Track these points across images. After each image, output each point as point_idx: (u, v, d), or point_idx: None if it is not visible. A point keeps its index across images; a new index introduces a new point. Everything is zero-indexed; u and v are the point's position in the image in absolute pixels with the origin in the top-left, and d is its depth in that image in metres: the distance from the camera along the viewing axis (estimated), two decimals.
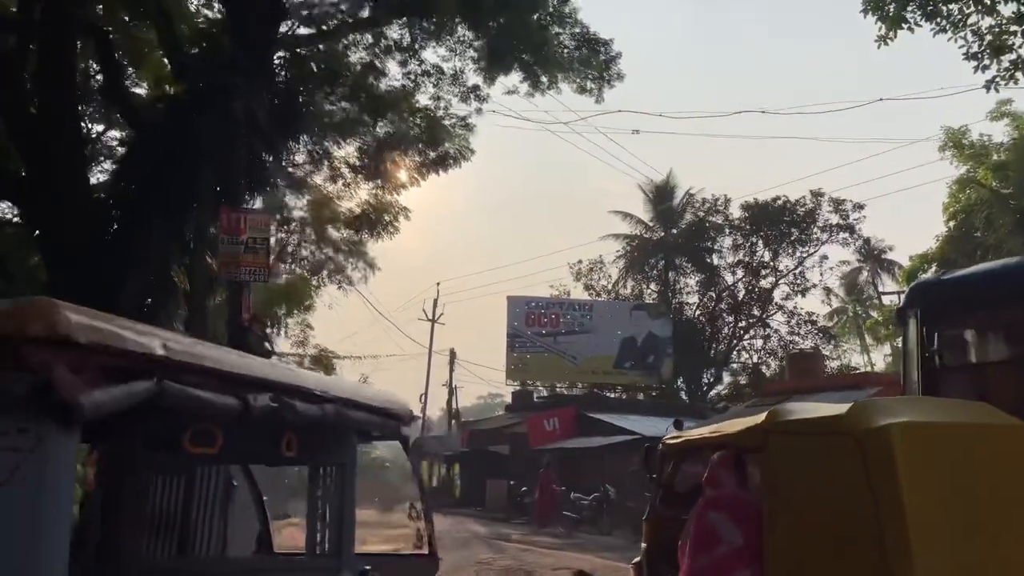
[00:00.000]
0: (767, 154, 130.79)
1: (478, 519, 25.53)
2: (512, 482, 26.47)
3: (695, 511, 4.60)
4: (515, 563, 15.98)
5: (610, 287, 35.77)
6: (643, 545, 6.30)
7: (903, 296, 7.67)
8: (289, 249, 18.94)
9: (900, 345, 8.66)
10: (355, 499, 3.51)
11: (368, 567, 3.60)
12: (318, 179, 17.46)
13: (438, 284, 67.26)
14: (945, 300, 6.34)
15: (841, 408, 4.08)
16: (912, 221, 79.11)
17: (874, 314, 37.50)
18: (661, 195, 35.49)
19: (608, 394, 33.59)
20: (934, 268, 22.92)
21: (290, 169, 15.53)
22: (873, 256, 37.55)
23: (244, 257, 11.33)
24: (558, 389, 34.88)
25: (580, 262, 35.56)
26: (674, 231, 35.25)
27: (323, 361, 42.71)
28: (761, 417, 4.32)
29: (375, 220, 18.11)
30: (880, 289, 37.68)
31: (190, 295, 12.54)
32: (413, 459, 5.15)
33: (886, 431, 3.77)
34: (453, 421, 38.82)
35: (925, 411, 4.52)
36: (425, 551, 4.43)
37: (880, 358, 40.79)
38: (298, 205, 17.40)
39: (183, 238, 12.59)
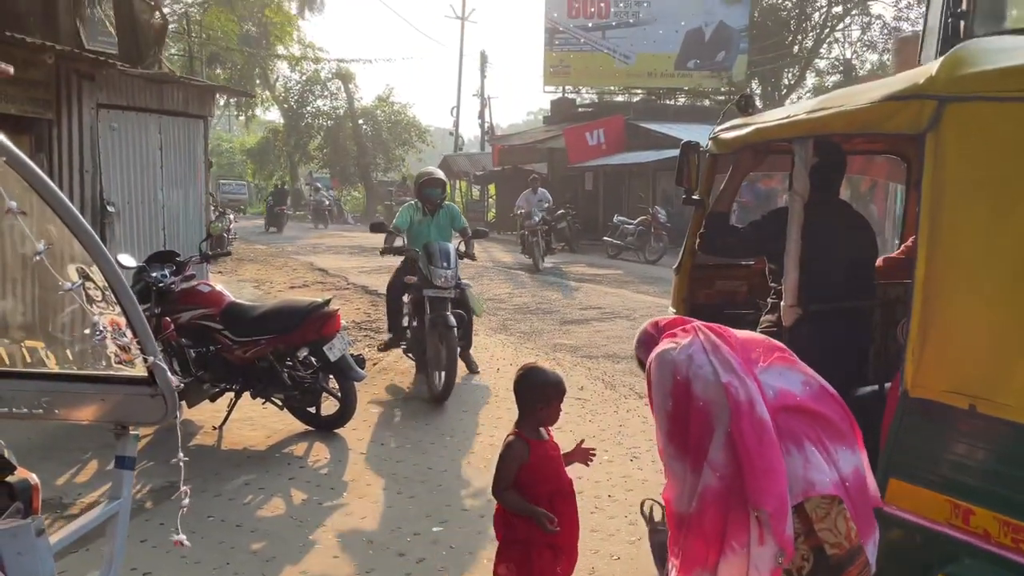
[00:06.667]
0: None
1: (509, 246, 22.30)
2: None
3: None
4: (533, 301, 13.25)
5: None
6: (670, 310, 3.92)
7: None
8: None
9: None
10: None
11: None
12: None
13: None
14: None
15: None
16: None
17: None
18: None
19: (667, 102, 28.43)
20: None
21: None
22: None
23: None
24: (606, 97, 29.78)
25: None
26: None
27: (343, 73, 38.33)
28: (926, 71, 2.28)
29: None
30: None
31: None
32: None
33: None
34: (486, 137, 34.56)
35: None
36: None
37: None
38: None
39: None
